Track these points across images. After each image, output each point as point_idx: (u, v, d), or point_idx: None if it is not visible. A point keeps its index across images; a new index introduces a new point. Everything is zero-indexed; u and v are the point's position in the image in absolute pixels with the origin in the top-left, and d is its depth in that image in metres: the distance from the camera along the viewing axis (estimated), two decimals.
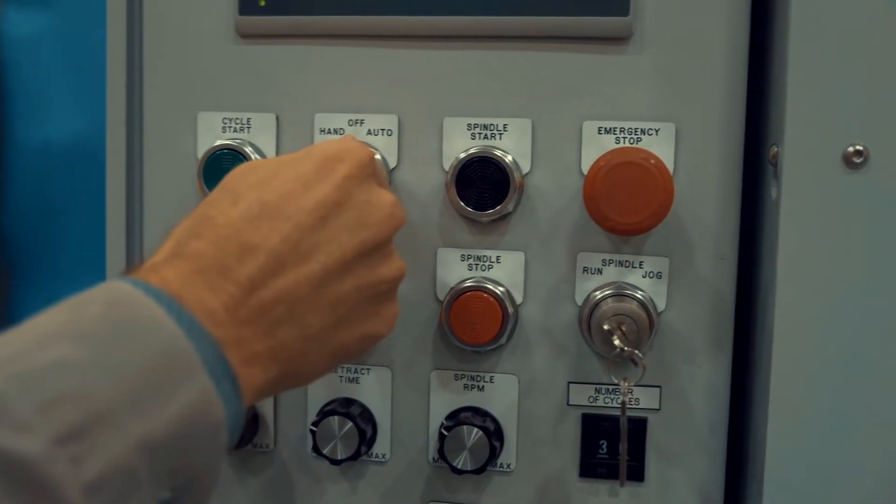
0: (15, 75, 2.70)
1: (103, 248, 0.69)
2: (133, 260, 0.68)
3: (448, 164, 0.62)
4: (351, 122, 0.64)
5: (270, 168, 0.50)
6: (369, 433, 0.64)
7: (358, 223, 0.49)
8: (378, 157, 0.63)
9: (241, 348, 0.43)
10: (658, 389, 0.62)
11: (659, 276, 0.61)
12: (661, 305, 0.61)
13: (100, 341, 0.39)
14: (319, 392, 0.66)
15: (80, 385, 0.37)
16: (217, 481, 0.43)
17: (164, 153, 0.67)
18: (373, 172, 0.52)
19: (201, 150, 0.65)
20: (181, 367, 0.40)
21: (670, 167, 0.59)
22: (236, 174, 0.50)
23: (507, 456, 0.64)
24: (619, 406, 0.61)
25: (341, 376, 0.65)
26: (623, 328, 0.58)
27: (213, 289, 0.44)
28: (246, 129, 0.65)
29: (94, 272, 0.71)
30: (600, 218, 0.57)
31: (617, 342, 0.56)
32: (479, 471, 0.62)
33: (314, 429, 0.63)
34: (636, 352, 0.56)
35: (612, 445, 0.63)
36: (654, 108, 0.60)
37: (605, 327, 0.57)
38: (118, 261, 0.68)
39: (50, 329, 0.39)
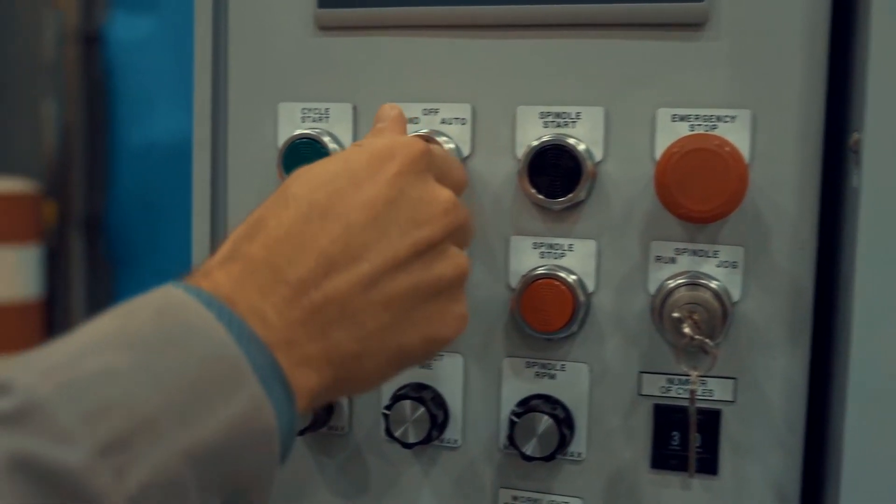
0: (121, 78, 2.81)
1: None
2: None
3: (521, 152, 0.62)
4: (425, 111, 0.65)
5: (323, 169, 0.49)
6: (441, 418, 0.65)
7: (411, 221, 0.48)
8: (451, 145, 0.63)
9: (292, 350, 0.43)
10: (733, 381, 0.61)
11: (734, 265, 0.60)
12: (735, 295, 0.60)
13: (148, 349, 0.39)
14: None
15: (125, 394, 0.37)
16: (271, 490, 0.42)
17: (247, 143, 0.69)
18: (426, 167, 0.50)
19: (281, 140, 0.67)
20: (231, 375, 0.40)
21: (747, 155, 0.58)
22: (291, 177, 0.49)
23: (578, 445, 0.64)
24: (689, 397, 0.60)
25: None
26: (695, 317, 0.57)
27: (263, 291, 0.44)
28: (324, 119, 0.67)
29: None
30: (672, 205, 0.57)
31: (687, 330, 0.56)
32: (548, 458, 0.62)
33: (387, 412, 0.64)
34: (707, 340, 0.56)
35: (684, 437, 0.62)
36: (730, 95, 0.59)
37: (676, 315, 0.57)
38: (203, 249, 0.71)
39: (99, 336, 0.39)
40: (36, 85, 2.66)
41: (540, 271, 0.62)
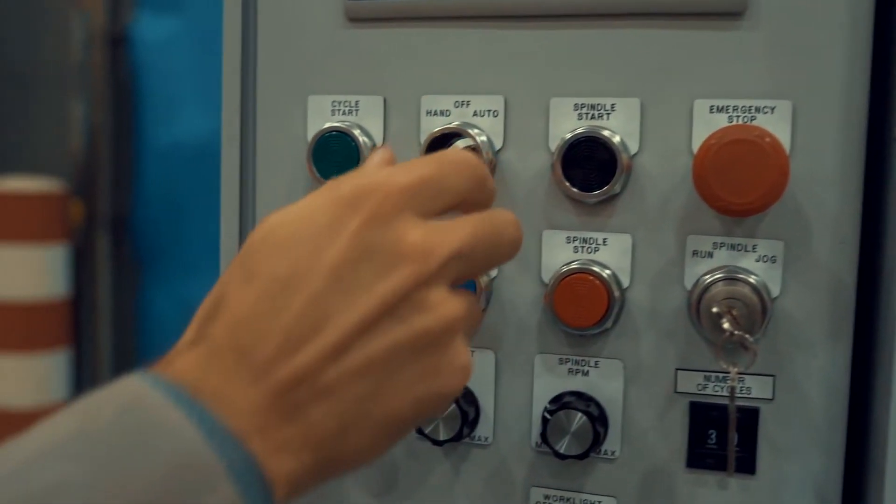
0: (147, 79, 2.83)
1: None
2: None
3: (554, 145, 0.61)
4: (457, 104, 0.64)
5: (286, 230, 0.45)
6: (472, 415, 0.64)
7: (376, 276, 0.43)
8: (483, 138, 0.62)
9: (266, 437, 0.40)
10: (771, 379, 0.60)
11: (773, 260, 0.59)
12: (775, 291, 0.59)
13: (109, 457, 0.37)
14: None
15: None
16: None
17: (276, 137, 0.69)
18: (401, 208, 0.45)
19: (311, 134, 0.66)
20: (202, 480, 0.37)
21: (787, 147, 0.57)
22: (254, 241, 0.45)
23: (612, 443, 0.63)
24: (728, 395, 0.59)
25: None
26: (734, 312, 0.56)
27: (230, 376, 0.41)
28: (354, 112, 0.66)
29: (218, 269, 0.74)
30: (710, 197, 0.55)
31: (726, 325, 0.55)
32: (581, 456, 0.61)
33: None
34: (747, 336, 0.54)
35: (721, 435, 0.60)
36: (770, 86, 0.58)
37: (715, 310, 0.56)
38: (232, 244, 0.70)
39: (55, 440, 0.37)
40: (63, 86, 2.68)
41: (574, 266, 0.61)
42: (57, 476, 0.35)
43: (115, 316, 2.68)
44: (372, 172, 0.46)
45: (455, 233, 0.46)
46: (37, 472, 0.35)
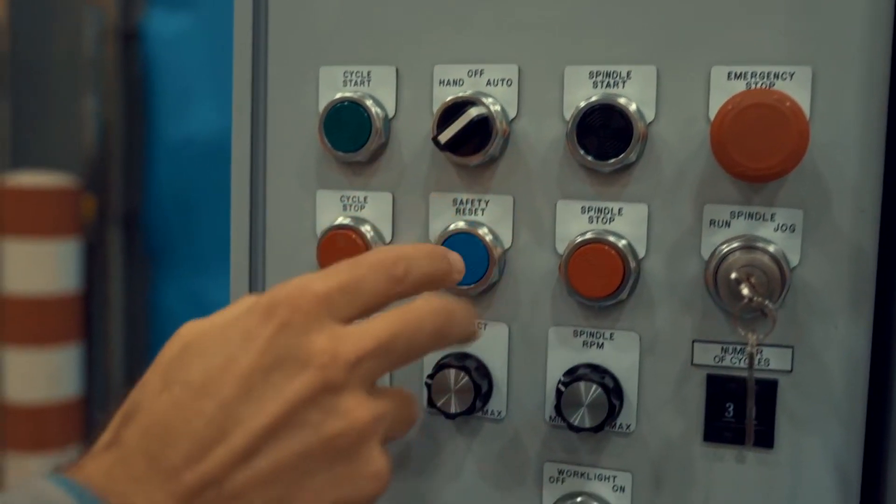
0: (159, 74, 2.83)
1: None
2: (256, 219, 0.69)
3: (569, 114, 0.60)
4: (470, 73, 0.63)
5: (203, 340, 0.46)
6: (485, 388, 0.63)
7: (285, 381, 0.44)
8: (496, 107, 0.61)
9: None
10: (790, 350, 0.58)
11: (792, 229, 0.58)
12: (794, 260, 0.58)
13: None
14: None
15: None
16: None
17: (287, 109, 0.68)
18: (315, 316, 0.46)
19: (322, 105, 0.66)
20: None
21: (806, 113, 0.56)
22: (172, 350, 0.47)
23: (627, 416, 0.62)
24: (746, 366, 0.58)
25: None
26: (752, 280, 0.55)
27: (138, 480, 0.42)
28: (366, 83, 0.65)
29: (229, 264, 0.73)
30: (728, 163, 0.54)
31: (745, 292, 0.53)
32: (596, 429, 0.60)
33: (429, 381, 0.63)
34: (767, 302, 0.53)
35: (738, 408, 0.59)
36: (789, 51, 0.57)
37: (734, 276, 0.54)
38: (243, 215, 0.69)
39: None
40: (76, 82, 2.68)
41: (588, 236, 0.60)
42: None
43: (126, 311, 2.68)
44: (292, 283, 0.47)
45: (367, 334, 0.47)
46: None
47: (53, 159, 2.60)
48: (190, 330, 0.48)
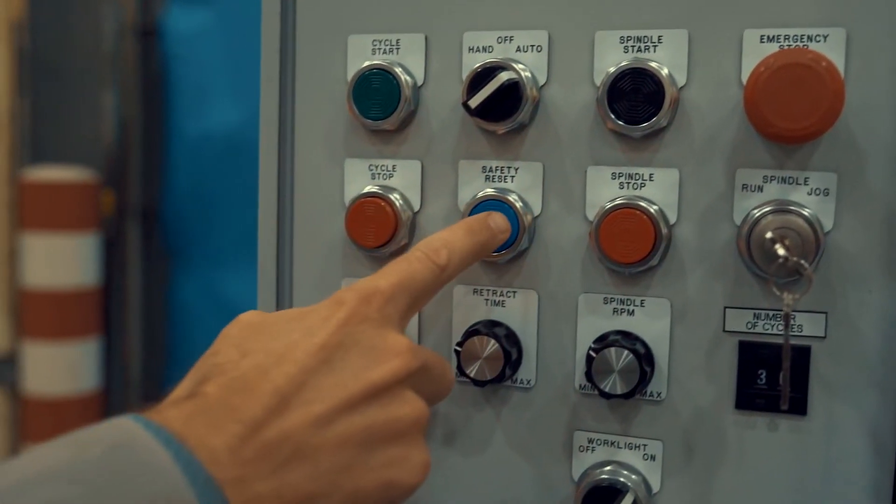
0: (177, 70, 2.84)
1: (256, 235, 0.70)
2: (284, 187, 0.69)
3: (599, 80, 0.60)
4: (500, 40, 0.63)
5: (280, 318, 0.51)
6: (514, 355, 0.62)
7: (362, 365, 0.49)
8: (527, 73, 0.61)
9: (242, 488, 0.43)
10: (823, 315, 0.58)
11: (826, 193, 0.57)
12: (827, 225, 0.57)
13: (98, 485, 0.40)
14: (464, 315, 0.65)
15: None
16: None
17: (316, 78, 0.68)
18: (377, 309, 0.51)
19: (351, 74, 0.66)
20: None
21: (841, 75, 0.55)
22: (239, 330, 0.51)
23: (658, 384, 0.61)
24: (779, 333, 0.58)
25: (487, 299, 0.64)
26: (787, 242, 0.54)
27: (216, 428, 0.44)
28: (395, 51, 0.65)
29: (249, 258, 0.73)
30: (762, 124, 0.54)
31: (781, 252, 0.53)
32: (627, 395, 0.59)
33: (458, 349, 0.62)
34: (803, 262, 0.53)
35: (771, 375, 0.59)
36: (822, 13, 0.56)
37: (768, 236, 0.54)
38: (271, 186, 0.69)
39: (50, 466, 0.40)
40: (95, 77, 2.70)
41: (619, 202, 0.60)
42: (52, 495, 0.39)
43: (144, 305, 2.69)
44: (358, 282, 0.53)
45: (426, 350, 0.54)
46: (35, 489, 0.39)
47: (73, 154, 2.61)
48: (255, 315, 0.52)
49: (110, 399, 2.62)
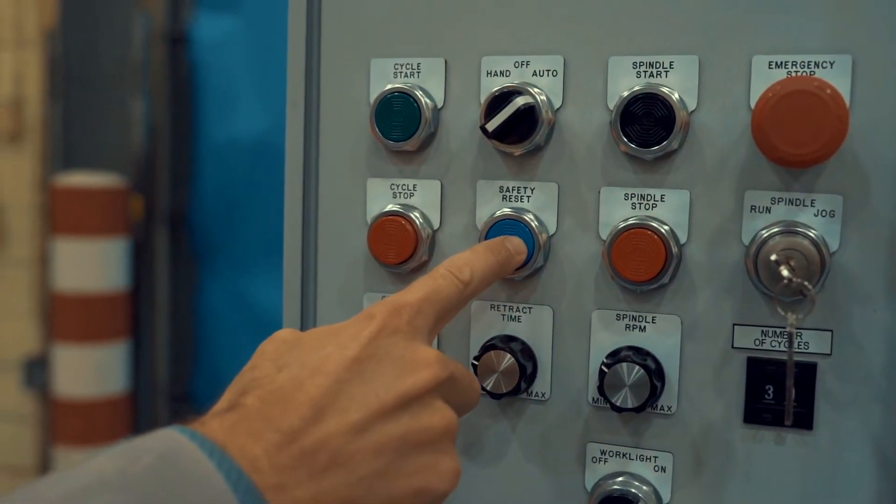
0: (205, 77, 2.88)
1: (282, 242, 0.73)
2: (308, 206, 0.72)
3: (613, 103, 0.62)
4: (517, 64, 0.65)
5: (313, 335, 0.53)
6: (530, 369, 0.65)
7: (394, 375, 0.51)
8: (543, 97, 0.63)
9: (282, 495, 0.46)
10: (829, 333, 0.60)
11: (832, 214, 0.59)
12: (833, 245, 0.59)
13: (146, 493, 0.42)
14: (481, 330, 0.67)
15: None
16: None
17: (339, 101, 0.70)
18: (407, 322, 0.53)
19: (373, 97, 0.68)
20: None
21: (846, 101, 0.57)
22: (280, 348, 0.53)
23: (668, 398, 0.63)
24: (786, 350, 0.59)
25: (503, 315, 0.67)
26: (792, 263, 0.56)
27: (255, 437, 0.46)
28: (416, 75, 0.68)
29: (275, 264, 0.76)
30: (768, 149, 0.56)
31: (785, 273, 0.55)
32: (638, 409, 0.61)
33: (475, 363, 0.65)
34: (806, 283, 0.55)
35: (778, 390, 0.61)
36: (829, 40, 0.58)
37: (773, 258, 0.56)
38: (296, 205, 0.72)
39: (101, 476, 0.43)
40: (124, 84, 2.74)
41: (631, 221, 0.62)
42: (105, 502, 0.41)
43: (172, 308, 2.73)
44: (387, 298, 0.55)
45: (454, 361, 0.55)
46: (87, 498, 0.41)
47: (103, 160, 2.66)
48: (290, 332, 0.55)
49: (138, 401, 2.66)
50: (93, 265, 2.52)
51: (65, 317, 2.51)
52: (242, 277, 2.76)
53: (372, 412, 0.49)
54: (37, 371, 2.70)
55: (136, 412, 2.63)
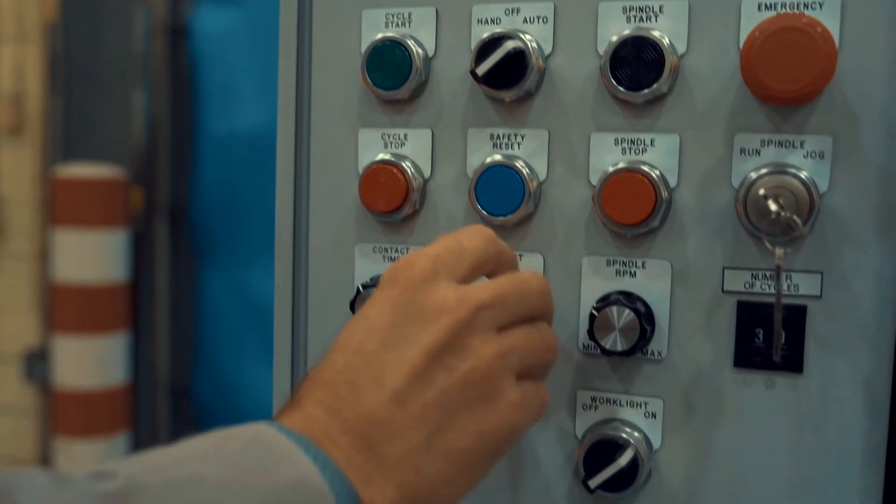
0: (206, 70, 2.88)
1: None
2: (301, 156, 0.72)
3: (603, 49, 0.62)
4: (507, 12, 0.65)
5: (350, 321, 0.54)
6: None
7: (419, 330, 0.51)
8: (533, 44, 0.63)
9: (353, 471, 0.48)
10: (819, 275, 0.60)
11: (822, 156, 0.59)
12: (823, 187, 0.59)
13: (240, 466, 0.45)
14: None
15: (213, 499, 0.43)
16: None
17: (332, 52, 0.70)
18: (431, 277, 0.52)
19: (365, 46, 0.68)
20: (314, 500, 0.45)
21: (836, 41, 0.57)
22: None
23: (659, 343, 0.63)
24: (774, 281, 0.59)
25: None
26: (780, 200, 0.56)
27: (324, 427, 0.49)
28: (407, 24, 0.68)
29: (273, 255, 0.76)
30: (757, 87, 0.56)
31: (773, 207, 0.55)
32: (628, 353, 0.61)
33: None
34: (794, 217, 0.55)
35: (768, 334, 0.61)
36: None
37: (761, 192, 0.56)
38: (288, 157, 0.72)
39: (196, 451, 0.46)
40: (125, 76, 2.75)
41: (621, 166, 0.62)
42: (198, 472, 0.44)
43: (172, 300, 2.73)
44: (406, 256, 0.55)
45: (482, 289, 0.53)
46: (183, 466, 0.45)
47: (103, 152, 2.66)
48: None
49: (138, 392, 2.66)
50: (93, 256, 2.52)
51: (65, 308, 2.52)
52: (243, 270, 2.76)
53: (406, 378, 0.50)
54: (37, 363, 2.70)
55: (136, 404, 2.63)
